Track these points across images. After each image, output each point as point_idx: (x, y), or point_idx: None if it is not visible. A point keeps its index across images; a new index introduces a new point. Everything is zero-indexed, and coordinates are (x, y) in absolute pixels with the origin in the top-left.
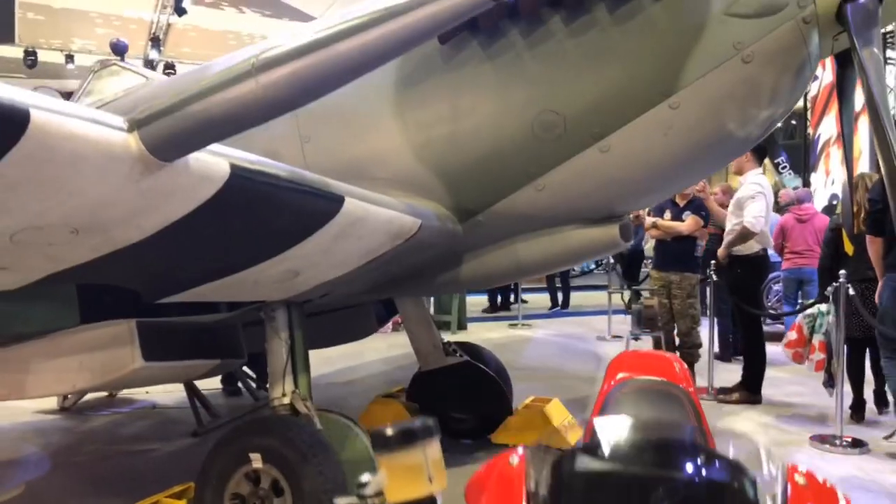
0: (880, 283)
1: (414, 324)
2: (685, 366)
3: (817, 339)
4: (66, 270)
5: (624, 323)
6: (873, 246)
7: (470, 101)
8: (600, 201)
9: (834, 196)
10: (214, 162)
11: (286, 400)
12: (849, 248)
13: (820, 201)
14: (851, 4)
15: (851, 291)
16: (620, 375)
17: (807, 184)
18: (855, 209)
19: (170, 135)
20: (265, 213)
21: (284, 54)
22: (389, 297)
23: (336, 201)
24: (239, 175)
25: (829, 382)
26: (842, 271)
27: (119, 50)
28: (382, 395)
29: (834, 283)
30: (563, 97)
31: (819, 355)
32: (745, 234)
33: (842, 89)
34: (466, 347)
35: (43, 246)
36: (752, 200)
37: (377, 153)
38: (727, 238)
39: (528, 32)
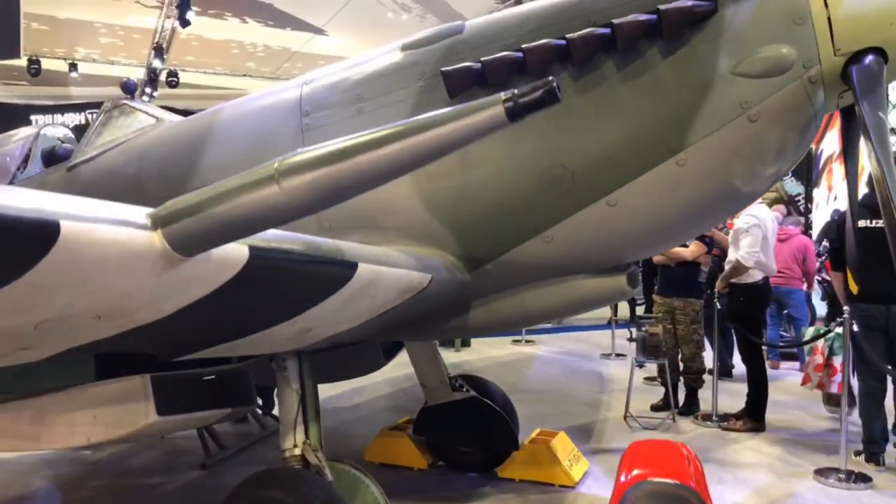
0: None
1: (421, 360)
2: (695, 456)
3: (837, 361)
4: (85, 345)
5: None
6: (835, 280)
7: (479, 154)
8: (608, 253)
9: (836, 212)
10: (234, 248)
11: (297, 451)
12: (853, 287)
13: (823, 216)
14: (857, 66)
15: (856, 328)
16: (635, 472)
17: (809, 199)
18: None
19: (193, 234)
20: (282, 286)
21: (307, 161)
22: (398, 339)
23: (350, 267)
24: (257, 255)
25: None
26: (846, 307)
27: (129, 89)
28: (389, 428)
29: (838, 319)
30: (571, 152)
31: (839, 376)
32: (738, 268)
33: (847, 141)
34: (472, 381)
35: (65, 330)
36: (745, 234)
37: (388, 202)
38: (726, 268)
39: None
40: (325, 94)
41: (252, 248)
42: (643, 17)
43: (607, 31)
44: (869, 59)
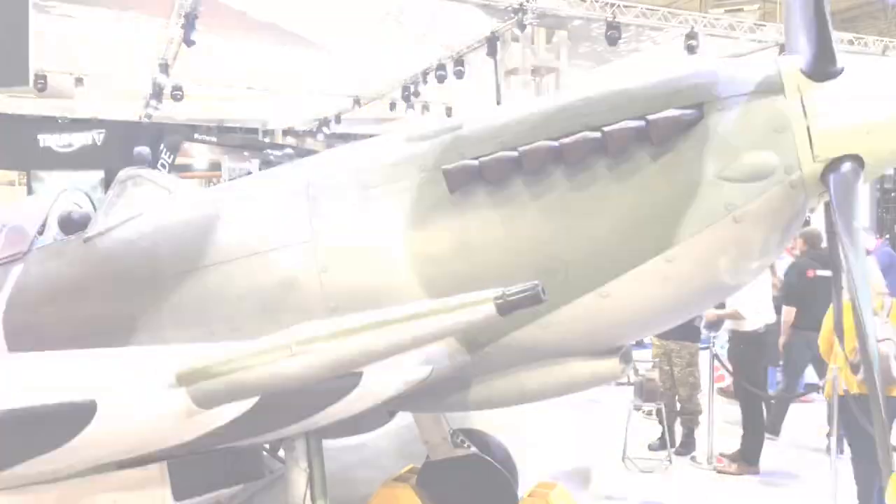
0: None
1: (423, 417)
2: None
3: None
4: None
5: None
6: (787, 313)
7: (477, 244)
8: (601, 339)
9: None
10: None
11: None
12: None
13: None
14: (833, 174)
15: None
16: None
17: (807, 222)
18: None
19: (215, 394)
20: (292, 405)
21: (318, 337)
22: (397, 410)
23: (355, 376)
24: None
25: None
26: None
27: (141, 159)
28: (393, 479)
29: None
30: (564, 246)
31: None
32: (734, 317)
33: (830, 227)
34: (473, 436)
35: (92, 465)
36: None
37: (389, 287)
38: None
39: (533, 185)
40: (332, 178)
41: None
42: (633, 123)
43: (598, 135)
44: (845, 166)
